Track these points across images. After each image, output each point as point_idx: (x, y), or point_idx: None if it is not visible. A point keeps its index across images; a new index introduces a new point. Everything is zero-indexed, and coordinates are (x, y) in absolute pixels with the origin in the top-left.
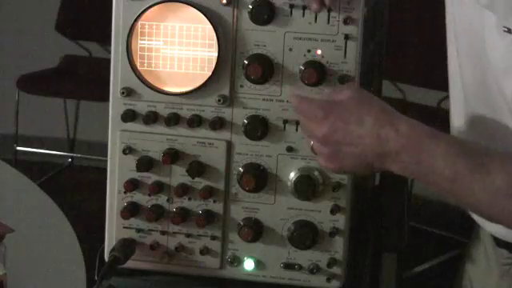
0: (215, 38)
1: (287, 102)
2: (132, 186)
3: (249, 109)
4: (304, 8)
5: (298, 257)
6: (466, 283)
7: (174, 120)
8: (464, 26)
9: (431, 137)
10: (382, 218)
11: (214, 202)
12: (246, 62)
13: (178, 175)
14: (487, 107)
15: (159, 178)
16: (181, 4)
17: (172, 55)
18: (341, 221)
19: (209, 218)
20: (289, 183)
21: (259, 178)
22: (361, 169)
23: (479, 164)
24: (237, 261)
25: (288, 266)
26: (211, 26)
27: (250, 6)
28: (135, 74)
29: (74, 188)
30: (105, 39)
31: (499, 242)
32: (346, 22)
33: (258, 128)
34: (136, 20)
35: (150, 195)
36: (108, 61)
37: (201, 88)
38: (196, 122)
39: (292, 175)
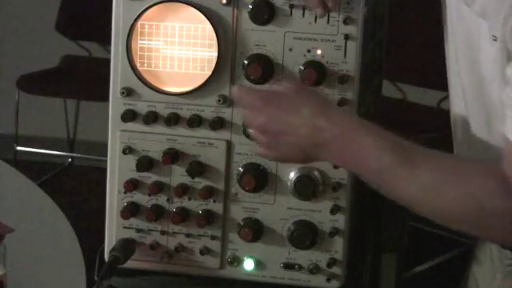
0: (215, 38)
1: None
2: (132, 186)
3: None
4: (304, 8)
5: (298, 257)
6: (472, 283)
7: (174, 120)
8: (462, 29)
9: (362, 129)
10: (381, 217)
11: (214, 202)
12: (245, 61)
13: (178, 175)
14: (484, 108)
15: (159, 178)
16: (181, 4)
17: (172, 55)
18: (341, 221)
19: (209, 218)
20: (289, 183)
21: (259, 178)
22: (299, 158)
23: (406, 159)
24: (237, 261)
25: (288, 266)
26: (211, 26)
27: (250, 6)
28: (135, 74)
29: (74, 188)
30: (105, 39)
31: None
32: (345, 22)
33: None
34: (136, 20)
35: (149, 195)
36: (108, 61)
37: (201, 88)
38: (196, 122)
39: (292, 175)
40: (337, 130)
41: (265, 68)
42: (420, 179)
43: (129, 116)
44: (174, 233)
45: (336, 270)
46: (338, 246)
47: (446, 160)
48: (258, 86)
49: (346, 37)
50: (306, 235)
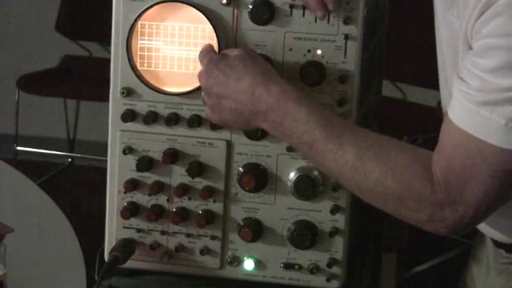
0: (215, 38)
1: None
2: (132, 186)
3: None
4: (304, 8)
5: (298, 257)
6: (470, 282)
7: (174, 120)
8: (448, 34)
9: (297, 102)
10: (381, 217)
11: (214, 202)
12: None
13: (178, 175)
14: None
15: (159, 178)
16: (181, 4)
17: (172, 55)
18: (341, 221)
19: (209, 217)
20: (289, 183)
21: (259, 178)
22: (239, 124)
23: (334, 135)
24: (237, 261)
25: (288, 266)
26: (211, 26)
27: (250, 6)
28: (135, 74)
29: (74, 188)
30: (105, 39)
31: (497, 243)
32: (345, 22)
33: (258, 128)
34: (136, 20)
35: (149, 195)
36: (108, 61)
37: (201, 88)
38: (196, 121)
39: (292, 175)
40: (273, 100)
41: None
42: (346, 155)
43: (129, 116)
44: (174, 233)
45: (336, 270)
46: (338, 246)
47: (374, 138)
48: None
49: (346, 37)
50: (306, 235)
